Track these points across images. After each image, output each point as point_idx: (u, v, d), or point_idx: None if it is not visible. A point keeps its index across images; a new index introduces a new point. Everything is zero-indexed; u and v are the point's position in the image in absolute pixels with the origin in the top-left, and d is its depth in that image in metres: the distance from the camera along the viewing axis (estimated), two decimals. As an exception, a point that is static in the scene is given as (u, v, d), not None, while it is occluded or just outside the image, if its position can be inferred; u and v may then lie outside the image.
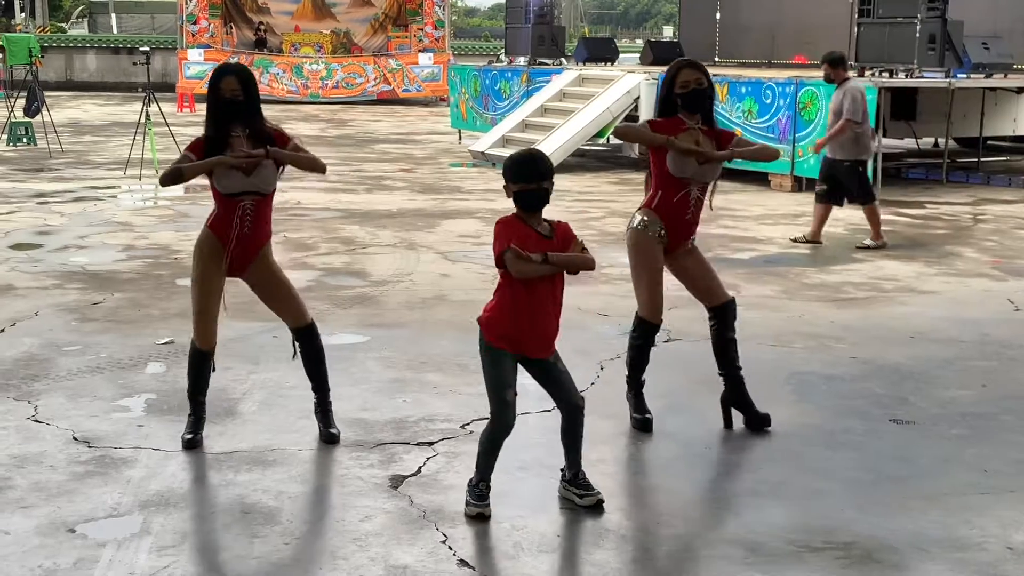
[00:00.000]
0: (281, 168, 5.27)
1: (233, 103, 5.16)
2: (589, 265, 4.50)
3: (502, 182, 4.53)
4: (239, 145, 5.15)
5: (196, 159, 5.12)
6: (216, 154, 5.11)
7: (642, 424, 5.59)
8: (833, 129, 10.50)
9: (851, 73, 11.36)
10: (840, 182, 10.62)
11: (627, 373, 5.73)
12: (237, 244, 5.21)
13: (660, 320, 5.61)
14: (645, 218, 5.52)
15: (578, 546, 4.40)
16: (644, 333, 5.64)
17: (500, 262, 4.43)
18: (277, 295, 5.41)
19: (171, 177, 5.11)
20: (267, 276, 5.39)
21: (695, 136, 5.43)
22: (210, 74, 5.32)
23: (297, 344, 5.46)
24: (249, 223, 5.22)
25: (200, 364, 5.38)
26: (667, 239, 5.51)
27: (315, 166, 5.35)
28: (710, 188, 5.59)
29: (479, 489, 4.59)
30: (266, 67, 31.57)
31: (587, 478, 4.69)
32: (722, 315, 5.62)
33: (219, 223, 5.22)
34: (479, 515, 4.54)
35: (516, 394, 4.56)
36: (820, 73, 11.39)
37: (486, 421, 5.55)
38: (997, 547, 4.35)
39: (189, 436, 5.32)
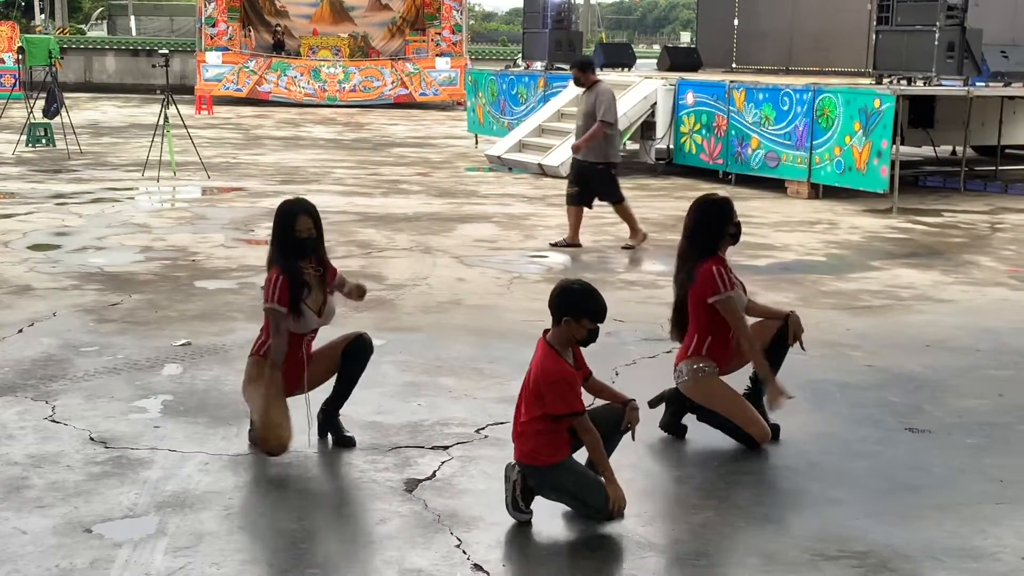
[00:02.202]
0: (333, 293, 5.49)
1: (309, 241, 5.32)
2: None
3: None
4: (314, 280, 5.37)
5: (286, 310, 5.23)
6: (299, 294, 5.27)
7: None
8: (589, 132, 10.59)
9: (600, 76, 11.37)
10: (590, 184, 10.67)
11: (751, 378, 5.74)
12: (307, 368, 5.38)
13: (768, 438, 5.55)
14: (703, 366, 5.53)
15: (593, 551, 4.40)
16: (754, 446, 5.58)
17: (567, 415, 4.49)
18: (330, 362, 5.48)
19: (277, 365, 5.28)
20: (319, 363, 5.46)
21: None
22: (279, 210, 5.40)
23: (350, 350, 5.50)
24: (309, 347, 5.42)
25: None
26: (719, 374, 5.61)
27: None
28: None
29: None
30: (284, 70, 31.67)
31: None
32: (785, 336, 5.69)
33: (289, 365, 5.30)
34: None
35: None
36: (837, 80, 11.37)
37: (500, 426, 5.58)
38: (1012, 558, 4.34)
39: None
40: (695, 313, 5.54)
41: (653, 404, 5.65)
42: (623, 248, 10.73)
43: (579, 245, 10.72)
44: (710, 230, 5.54)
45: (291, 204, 5.43)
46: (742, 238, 5.79)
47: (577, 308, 4.53)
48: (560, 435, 4.55)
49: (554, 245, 10.74)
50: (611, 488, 4.54)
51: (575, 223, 10.76)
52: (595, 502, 4.53)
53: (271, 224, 5.42)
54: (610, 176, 10.70)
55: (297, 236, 5.28)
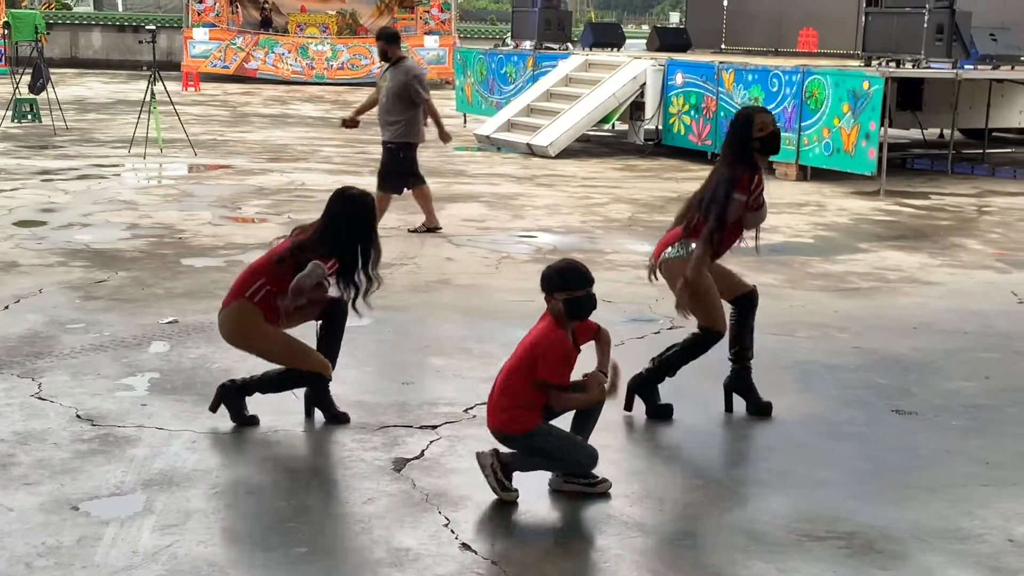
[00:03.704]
0: None
1: None
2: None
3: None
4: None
5: (325, 282, 5.28)
6: (356, 288, 5.35)
7: (760, 409, 5.69)
8: (435, 114, 10.17)
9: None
10: (400, 167, 10.09)
11: (661, 369, 5.69)
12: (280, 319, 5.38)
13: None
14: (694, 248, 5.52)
15: (580, 531, 4.41)
16: (710, 343, 5.64)
17: (554, 386, 4.51)
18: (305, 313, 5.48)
19: (299, 294, 5.22)
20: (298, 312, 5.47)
21: (761, 182, 5.61)
22: (362, 204, 5.41)
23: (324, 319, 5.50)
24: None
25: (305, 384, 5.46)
26: None
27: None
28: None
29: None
30: (271, 47, 31.51)
31: None
32: (749, 303, 5.71)
33: (274, 316, 5.30)
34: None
35: None
36: (827, 61, 11.32)
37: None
38: (998, 539, 4.36)
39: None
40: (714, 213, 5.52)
41: (627, 407, 5.64)
42: (411, 232, 10.23)
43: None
44: (742, 143, 5.55)
45: (355, 193, 5.43)
46: None
47: (548, 285, 4.59)
48: (536, 406, 4.57)
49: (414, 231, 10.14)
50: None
51: (381, 210, 9.92)
52: (573, 457, 4.57)
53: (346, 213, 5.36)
54: (409, 158, 10.17)
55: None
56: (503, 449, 4.64)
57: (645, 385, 5.65)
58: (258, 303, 5.27)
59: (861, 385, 6.23)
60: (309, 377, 5.38)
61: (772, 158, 14.39)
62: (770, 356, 6.51)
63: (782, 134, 13.96)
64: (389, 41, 10.20)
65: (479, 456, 4.63)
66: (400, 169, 10.17)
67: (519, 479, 4.63)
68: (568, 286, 4.54)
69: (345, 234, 5.28)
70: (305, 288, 5.18)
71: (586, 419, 4.74)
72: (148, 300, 7.60)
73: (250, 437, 5.23)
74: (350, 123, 10.54)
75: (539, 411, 4.60)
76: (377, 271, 5.41)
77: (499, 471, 4.56)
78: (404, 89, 9.97)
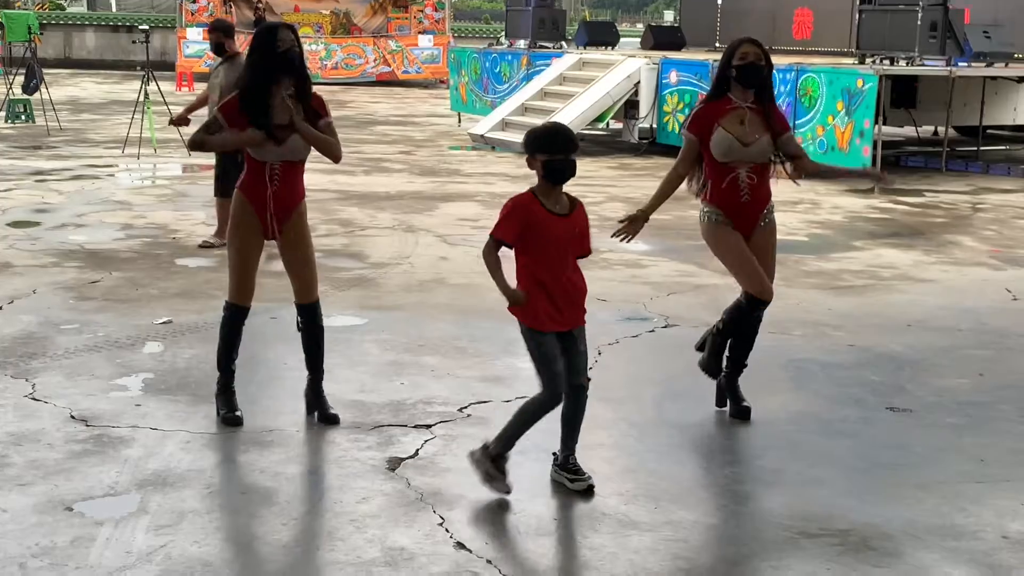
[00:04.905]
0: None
1: (289, 56, 5.19)
2: None
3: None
4: (282, 107, 5.20)
5: (226, 122, 5.18)
6: (254, 112, 5.16)
7: (741, 412, 5.59)
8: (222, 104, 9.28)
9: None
10: (228, 171, 8.45)
11: (728, 356, 5.62)
12: (274, 203, 5.28)
13: (769, 294, 5.49)
14: (707, 209, 5.51)
15: (575, 530, 4.41)
16: (753, 308, 5.53)
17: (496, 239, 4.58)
18: (299, 260, 5.41)
19: (196, 145, 5.26)
20: (298, 238, 5.39)
21: (741, 115, 5.45)
22: (255, 33, 5.34)
23: (300, 320, 5.46)
24: (278, 183, 5.29)
25: (234, 323, 5.40)
26: (732, 224, 5.47)
27: (332, 152, 5.47)
28: (777, 165, 5.72)
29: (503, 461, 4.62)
30: (265, 47, 31.45)
31: (577, 462, 4.71)
32: (756, 308, 5.58)
33: (250, 186, 5.29)
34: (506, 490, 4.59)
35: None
36: (821, 59, 11.31)
37: (483, 404, 5.60)
38: (992, 536, 4.36)
39: (236, 413, 5.37)
40: (703, 157, 5.54)
41: (720, 404, 5.67)
42: (201, 246, 9.36)
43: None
44: (720, 74, 5.51)
45: (269, 24, 5.41)
46: None
47: (531, 146, 4.55)
48: (534, 302, 4.55)
49: (206, 246, 9.30)
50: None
51: (226, 216, 9.12)
52: (542, 376, 4.54)
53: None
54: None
55: (276, 49, 5.16)
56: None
57: (730, 383, 5.62)
58: (243, 188, 5.34)
59: (855, 383, 6.24)
60: (231, 318, 5.40)
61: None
62: (764, 354, 6.49)
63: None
64: (227, 34, 9.52)
65: (469, 455, 4.68)
66: (240, 171, 9.53)
67: (520, 475, 4.63)
68: (550, 148, 4.50)
69: (248, 66, 5.27)
70: (197, 142, 5.24)
71: (576, 413, 4.72)
72: (142, 300, 7.59)
73: (244, 437, 5.22)
74: (180, 121, 10.06)
75: (530, 314, 4.55)
76: (290, 92, 5.26)
77: (487, 460, 4.60)
78: (232, 83, 8.82)
